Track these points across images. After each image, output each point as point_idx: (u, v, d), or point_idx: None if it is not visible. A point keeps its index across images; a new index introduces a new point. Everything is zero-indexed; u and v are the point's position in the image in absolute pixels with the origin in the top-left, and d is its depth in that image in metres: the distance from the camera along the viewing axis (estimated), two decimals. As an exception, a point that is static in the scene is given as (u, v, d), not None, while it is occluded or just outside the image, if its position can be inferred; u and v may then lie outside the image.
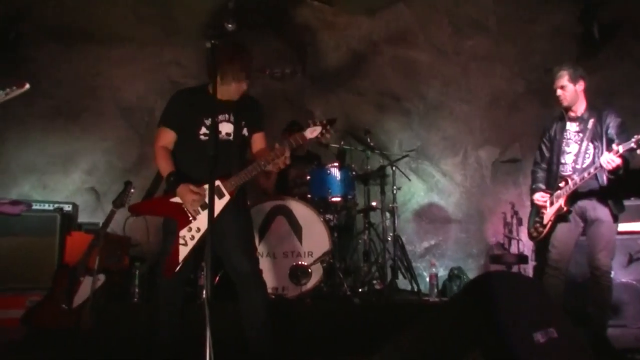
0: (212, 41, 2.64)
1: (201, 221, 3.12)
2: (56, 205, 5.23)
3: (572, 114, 3.88)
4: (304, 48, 6.59)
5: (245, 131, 3.34)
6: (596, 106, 3.88)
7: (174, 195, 3.15)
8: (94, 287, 4.03)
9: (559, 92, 3.81)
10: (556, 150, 3.89)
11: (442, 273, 5.94)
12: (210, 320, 2.18)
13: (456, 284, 5.47)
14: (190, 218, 3.14)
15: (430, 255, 6.42)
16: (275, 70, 5.81)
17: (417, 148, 6.53)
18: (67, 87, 6.37)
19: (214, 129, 2.77)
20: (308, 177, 5.07)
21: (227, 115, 3.28)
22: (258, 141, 3.44)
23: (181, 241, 3.12)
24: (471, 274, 5.81)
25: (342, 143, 5.43)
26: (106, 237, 4.39)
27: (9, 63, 6.11)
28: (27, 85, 3.30)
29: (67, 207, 5.32)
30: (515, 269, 5.49)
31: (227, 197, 3.14)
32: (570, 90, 3.79)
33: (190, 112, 3.24)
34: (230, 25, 2.70)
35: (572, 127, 3.87)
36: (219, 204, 3.11)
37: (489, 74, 6.33)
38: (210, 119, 3.19)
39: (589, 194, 3.69)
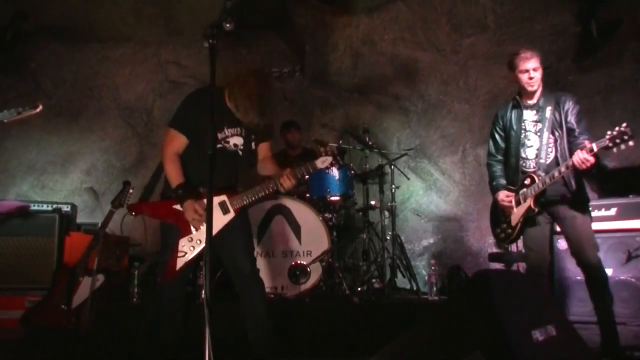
0: (210, 40, 2.63)
1: (203, 234, 3.08)
2: (55, 206, 5.23)
3: (528, 102, 3.59)
4: (303, 47, 6.60)
5: (253, 145, 3.37)
6: (551, 91, 3.61)
7: (177, 203, 3.13)
8: (93, 287, 4.04)
9: (532, 74, 3.47)
10: (514, 142, 3.61)
11: (441, 272, 5.94)
12: (209, 320, 2.17)
13: (455, 282, 5.47)
14: (193, 229, 3.12)
15: (429, 253, 6.42)
16: (274, 70, 5.81)
17: (416, 147, 6.54)
18: (67, 86, 6.39)
19: (212, 129, 2.74)
20: (307, 177, 5.06)
21: (238, 129, 3.27)
22: (264, 149, 3.49)
23: (180, 253, 3.12)
24: (470, 272, 5.81)
25: (340, 142, 5.43)
26: (105, 238, 4.40)
27: (9, 63, 6.12)
28: (40, 107, 3.36)
29: (66, 208, 5.32)
30: (514, 267, 5.48)
31: (231, 215, 3.15)
32: (540, 73, 3.49)
33: (204, 119, 2.92)
34: (228, 25, 2.67)
35: (529, 116, 3.59)
36: (223, 220, 3.12)
37: (488, 73, 6.33)
38: (222, 132, 3.20)
39: (555, 191, 3.46)
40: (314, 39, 6.54)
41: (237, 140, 3.27)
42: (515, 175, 3.62)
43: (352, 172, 5.17)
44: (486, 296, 2.06)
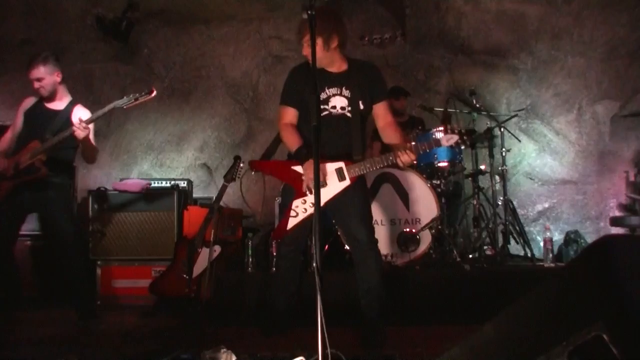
0: (309, 12, 2.63)
1: None
2: (173, 183, 5.56)
3: None
4: (403, 11, 6.44)
5: (361, 104, 3.23)
6: None
7: (297, 164, 3.19)
8: (211, 258, 4.23)
9: None
10: None
11: (558, 237, 5.68)
12: (320, 288, 2.22)
13: (573, 248, 5.22)
14: (308, 191, 3.14)
15: (544, 218, 6.14)
16: (375, 36, 5.71)
17: (527, 107, 6.22)
18: (177, 68, 6.70)
19: (317, 101, 2.75)
20: (412, 143, 4.99)
21: (338, 89, 3.22)
22: (381, 112, 3.32)
23: (292, 212, 3.18)
24: (589, 237, 5.50)
25: (446, 106, 5.28)
26: (220, 211, 4.59)
27: (124, 51, 6.52)
28: (155, 92, 3.58)
29: (183, 184, 5.64)
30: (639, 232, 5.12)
31: (347, 182, 3.16)
32: None
33: (304, 89, 3.18)
34: (326, -5, 2.67)
35: None
36: (339, 186, 3.14)
37: (606, 22, 5.86)
38: (324, 93, 3.19)
39: None
40: (414, 2, 6.36)
41: (341, 102, 3.22)
42: None
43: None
44: (609, 264, 1.93)
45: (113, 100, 3.77)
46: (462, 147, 3.18)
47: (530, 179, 6.29)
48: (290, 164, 3.26)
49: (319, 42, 3.07)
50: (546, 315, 2.06)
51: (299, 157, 3.17)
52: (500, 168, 5.29)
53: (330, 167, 3.15)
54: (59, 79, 3.98)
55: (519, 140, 5.86)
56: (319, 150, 2.40)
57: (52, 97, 3.98)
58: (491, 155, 5.26)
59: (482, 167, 5.27)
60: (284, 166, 3.33)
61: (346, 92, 3.23)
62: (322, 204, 2.96)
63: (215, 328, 3.73)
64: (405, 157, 3.07)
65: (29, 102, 4.08)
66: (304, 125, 3.27)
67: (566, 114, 6.15)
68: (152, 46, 6.66)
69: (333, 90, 3.22)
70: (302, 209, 3.17)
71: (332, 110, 3.21)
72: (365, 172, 3.17)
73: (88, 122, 3.71)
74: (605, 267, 1.98)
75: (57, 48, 6.03)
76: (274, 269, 3.58)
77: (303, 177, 3.15)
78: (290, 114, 3.28)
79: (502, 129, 5.26)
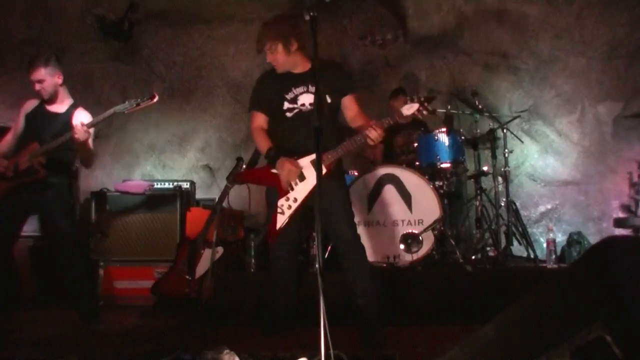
0: (311, 13, 2.64)
1: (298, 192, 3.26)
2: (175, 184, 5.56)
3: None
4: (405, 11, 6.43)
5: (328, 98, 3.34)
6: None
7: (274, 167, 3.32)
8: (213, 259, 4.23)
9: None
10: None
11: (560, 238, 5.67)
12: (322, 288, 2.22)
13: (576, 249, 5.20)
14: (288, 188, 3.27)
15: (547, 219, 6.12)
16: (377, 37, 5.71)
17: (529, 108, 6.21)
18: (177, 68, 6.70)
19: (317, 101, 2.79)
20: (415, 144, 4.99)
21: (304, 87, 3.36)
22: (349, 105, 3.44)
23: (279, 210, 3.28)
24: (592, 239, 5.48)
25: (448, 107, 5.28)
26: (222, 212, 4.59)
27: (125, 51, 6.52)
28: (157, 98, 3.60)
29: (185, 185, 5.65)
30: (643, 232, 5.11)
31: (323, 171, 3.17)
32: None
33: (271, 93, 3.41)
34: (327, -5, 2.68)
35: None
36: (315, 177, 3.17)
37: (607, 22, 5.84)
38: (291, 93, 3.35)
39: None
40: (415, 2, 6.35)
41: (309, 99, 3.34)
42: None
43: (462, 137, 5.02)
44: (611, 266, 1.92)
45: (113, 100, 3.78)
46: (425, 113, 3.13)
47: (533, 180, 6.28)
48: (269, 167, 3.38)
49: (279, 47, 3.29)
50: (548, 315, 2.05)
51: (269, 158, 3.35)
52: (502, 169, 5.27)
53: (305, 161, 3.27)
54: (60, 81, 3.97)
55: (522, 141, 5.84)
56: (320, 153, 2.47)
57: (53, 99, 3.98)
58: (494, 157, 5.25)
59: (485, 168, 5.26)
60: (264, 172, 3.45)
61: (312, 89, 3.32)
62: (303, 196, 3.21)
63: (215, 328, 3.72)
64: (373, 133, 3.11)
65: (31, 104, 4.07)
66: (273, 127, 3.46)
67: (568, 115, 6.13)
68: (153, 46, 6.65)
69: (300, 89, 3.36)
70: (286, 206, 3.28)
71: (302, 108, 3.35)
72: (337, 157, 3.24)
73: (89, 126, 3.71)
74: (607, 268, 1.97)
75: (57, 48, 6.04)
76: (271, 269, 3.60)
77: (281, 178, 3.28)
78: (260, 119, 3.48)
79: (504, 130, 5.25)
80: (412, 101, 3.16)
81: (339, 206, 3.33)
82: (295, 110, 3.35)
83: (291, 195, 3.27)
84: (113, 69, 6.65)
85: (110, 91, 6.51)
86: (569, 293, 2.04)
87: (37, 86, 3.89)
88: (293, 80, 3.38)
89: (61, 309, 4.46)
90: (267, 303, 3.63)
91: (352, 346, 3.10)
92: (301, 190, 3.25)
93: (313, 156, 3.17)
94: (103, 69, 6.64)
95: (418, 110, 3.13)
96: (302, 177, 3.26)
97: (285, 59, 3.33)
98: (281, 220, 3.28)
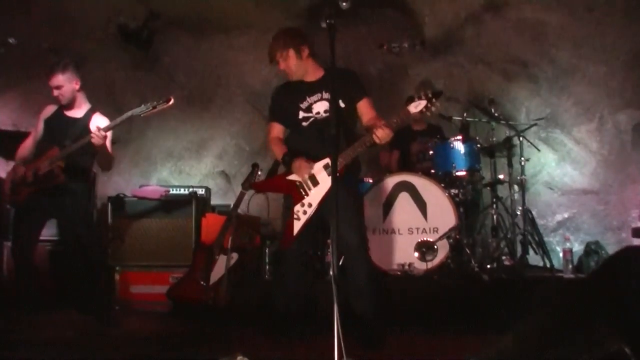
0: (328, 20, 2.66)
1: (313, 197, 3.33)
2: (191, 190, 5.60)
3: None
4: (422, 19, 6.43)
5: (341, 102, 3.35)
6: None
7: (291, 173, 3.39)
8: (228, 265, 4.26)
9: None
10: None
11: (578, 248, 5.60)
12: (337, 295, 2.23)
13: (593, 259, 5.13)
14: (304, 194, 3.34)
15: (564, 229, 6.06)
16: (394, 44, 5.69)
17: (547, 116, 6.15)
18: (197, 77, 6.75)
19: (334, 109, 2.81)
20: (431, 152, 4.98)
21: (318, 95, 3.42)
22: (364, 110, 3.45)
23: (295, 216, 3.34)
24: (611, 249, 5.41)
25: (465, 115, 5.26)
26: (238, 218, 4.62)
27: (145, 60, 6.59)
28: (172, 101, 3.66)
29: (201, 191, 5.69)
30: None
31: (336, 174, 3.20)
32: None
33: (287, 103, 3.51)
34: (344, 3, 2.69)
35: None
36: (329, 180, 3.19)
37: (628, 30, 5.78)
38: (305, 102, 3.42)
39: None
40: (432, 9, 6.34)
41: (323, 106, 3.40)
42: None
43: (479, 145, 5.01)
44: (630, 276, 1.89)
45: (133, 108, 3.81)
46: (433, 109, 3.06)
47: (550, 188, 6.22)
48: (284, 175, 3.46)
49: (291, 53, 3.38)
50: (566, 326, 2.03)
51: (285, 163, 3.43)
52: (519, 177, 5.24)
53: (318, 165, 3.34)
54: (77, 87, 4.04)
55: (539, 150, 5.79)
56: (336, 161, 2.49)
57: (71, 104, 4.05)
58: (510, 165, 5.22)
59: (501, 176, 5.23)
60: (280, 180, 3.53)
61: (326, 95, 3.39)
62: (318, 201, 3.28)
63: (231, 334, 3.74)
64: (381, 132, 3.11)
65: (50, 110, 4.15)
66: (290, 137, 3.57)
67: (587, 123, 6.08)
68: (173, 55, 6.71)
69: (314, 98, 3.43)
70: (302, 211, 3.34)
71: (317, 116, 3.42)
72: (348, 159, 3.26)
73: (106, 129, 3.77)
74: (626, 278, 1.94)
75: (80, 56, 6.11)
76: (281, 274, 3.63)
77: (297, 182, 3.36)
78: (276, 129, 3.58)
79: (521, 138, 5.22)
80: (420, 98, 3.08)
81: (349, 214, 3.30)
82: (311, 119, 3.42)
83: (306, 200, 3.34)
84: (134, 77, 6.73)
85: (131, 99, 6.56)
86: (588, 304, 2.02)
87: (56, 92, 3.97)
88: (306, 89, 3.45)
89: (77, 313, 4.50)
90: (279, 308, 3.64)
91: (352, 346, 3.09)
92: (315, 195, 3.32)
93: (325, 160, 3.29)
94: (124, 77, 6.72)
95: (426, 107, 3.06)
96: (315, 182, 3.33)
97: (298, 65, 3.41)
98: (298, 226, 3.33)
